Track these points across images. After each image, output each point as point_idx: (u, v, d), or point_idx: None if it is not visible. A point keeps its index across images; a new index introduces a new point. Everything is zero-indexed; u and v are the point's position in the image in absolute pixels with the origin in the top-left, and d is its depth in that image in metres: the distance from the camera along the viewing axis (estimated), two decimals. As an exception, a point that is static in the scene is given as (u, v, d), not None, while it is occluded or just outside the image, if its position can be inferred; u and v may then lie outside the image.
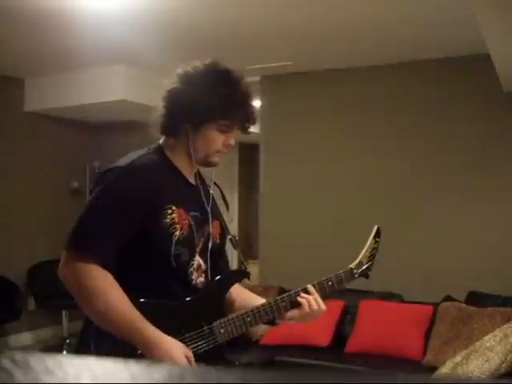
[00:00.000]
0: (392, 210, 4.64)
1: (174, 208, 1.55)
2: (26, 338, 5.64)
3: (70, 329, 5.61)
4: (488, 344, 3.10)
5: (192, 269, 1.61)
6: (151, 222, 1.52)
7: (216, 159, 1.64)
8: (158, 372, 0.37)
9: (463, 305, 3.98)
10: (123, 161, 1.57)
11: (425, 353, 3.83)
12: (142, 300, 1.50)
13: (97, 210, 1.52)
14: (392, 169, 4.80)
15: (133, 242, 1.52)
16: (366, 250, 1.73)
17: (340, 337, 4.18)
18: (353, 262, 1.73)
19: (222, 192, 1.81)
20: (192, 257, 1.61)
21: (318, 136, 5.11)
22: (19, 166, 5.67)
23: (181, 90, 1.58)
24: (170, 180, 1.60)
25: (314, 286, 1.65)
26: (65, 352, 5.28)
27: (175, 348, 1.47)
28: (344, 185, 4.97)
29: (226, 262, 1.80)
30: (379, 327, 4.03)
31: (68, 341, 5.49)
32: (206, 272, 1.66)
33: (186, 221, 1.58)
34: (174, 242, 1.55)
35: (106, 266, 1.46)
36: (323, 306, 1.64)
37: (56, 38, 4.28)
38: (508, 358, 3.03)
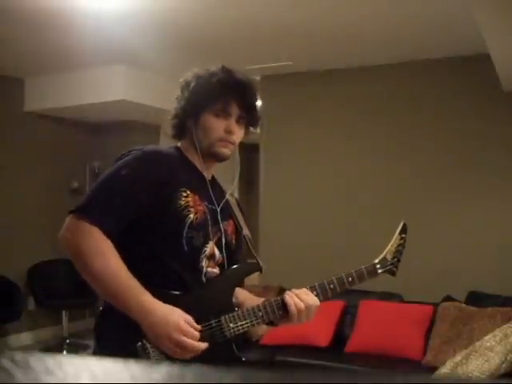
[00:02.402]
0: (392, 210, 4.63)
1: (188, 192, 1.56)
2: (26, 338, 5.64)
3: (70, 329, 5.61)
4: (488, 344, 3.10)
5: (203, 255, 1.58)
6: (165, 202, 1.52)
7: (223, 149, 1.63)
8: (158, 372, 0.37)
9: (463, 305, 3.98)
10: (141, 147, 1.63)
11: (425, 353, 3.83)
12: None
13: (108, 181, 1.54)
14: (392, 169, 4.80)
15: (146, 225, 1.52)
16: (392, 246, 1.70)
17: (340, 337, 4.18)
18: (377, 257, 1.69)
19: (237, 201, 1.81)
20: (205, 243, 1.59)
21: (318, 136, 5.11)
22: (19, 166, 5.67)
23: (183, 92, 1.66)
24: (186, 170, 1.62)
25: (329, 282, 1.60)
26: (65, 352, 5.28)
27: (171, 313, 1.42)
28: (343, 185, 4.97)
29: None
30: (379, 327, 4.02)
31: (68, 341, 5.50)
32: (221, 265, 1.64)
33: (201, 207, 1.58)
34: (187, 224, 1.53)
35: (107, 235, 1.45)
36: (313, 306, 1.57)
37: (56, 37, 4.28)
38: (508, 358, 3.03)
